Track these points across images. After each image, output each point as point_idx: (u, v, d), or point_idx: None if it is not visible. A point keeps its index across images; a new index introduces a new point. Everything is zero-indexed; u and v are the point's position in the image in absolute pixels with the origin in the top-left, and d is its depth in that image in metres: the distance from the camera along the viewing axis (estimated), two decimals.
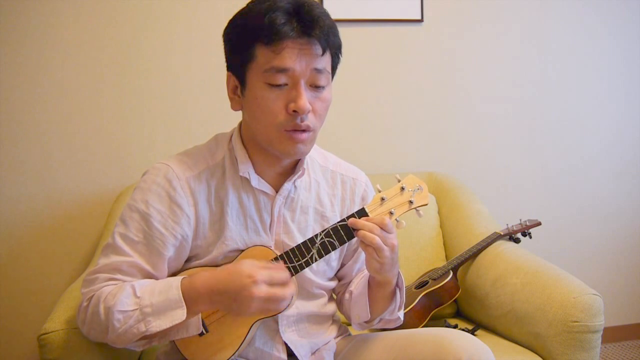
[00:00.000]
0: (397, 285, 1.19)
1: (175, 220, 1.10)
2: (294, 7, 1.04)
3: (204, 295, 1.03)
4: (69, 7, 1.98)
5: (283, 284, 1.02)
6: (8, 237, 2.00)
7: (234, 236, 1.14)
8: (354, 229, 1.07)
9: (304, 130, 1.07)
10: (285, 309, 1.09)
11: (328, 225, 1.11)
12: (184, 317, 1.02)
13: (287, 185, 1.17)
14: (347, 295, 1.28)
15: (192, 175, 1.13)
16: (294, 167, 1.18)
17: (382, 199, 1.10)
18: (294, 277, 1.09)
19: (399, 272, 1.18)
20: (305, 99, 1.05)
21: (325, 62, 1.07)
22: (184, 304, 1.02)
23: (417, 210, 1.12)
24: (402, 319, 1.26)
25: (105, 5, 2.00)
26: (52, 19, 1.97)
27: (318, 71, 1.06)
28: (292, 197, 1.19)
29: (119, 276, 1.08)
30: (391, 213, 1.09)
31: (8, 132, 1.97)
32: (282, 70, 1.03)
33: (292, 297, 1.07)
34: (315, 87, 1.07)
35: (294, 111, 1.04)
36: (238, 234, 1.14)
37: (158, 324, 1.02)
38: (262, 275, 1.00)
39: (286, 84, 1.05)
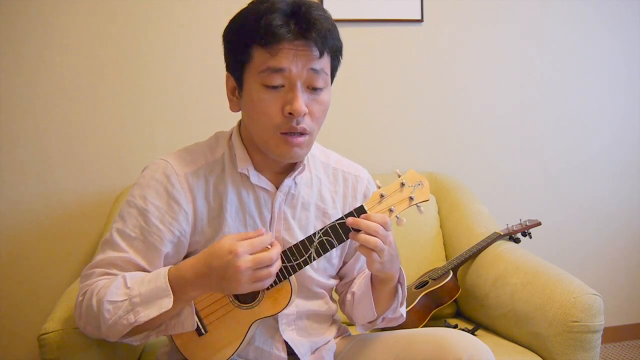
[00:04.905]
0: (398, 281, 1.18)
1: (172, 216, 1.10)
2: (292, 9, 1.03)
3: (192, 281, 1.02)
4: (69, 6, 1.97)
5: (266, 248, 1.01)
6: (8, 237, 1.99)
7: (232, 232, 1.13)
8: (354, 230, 1.04)
9: (300, 134, 1.06)
10: (286, 306, 1.09)
11: (329, 222, 1.09)
12: (170, 305, 1.01)
13: (288, 182, 1.16)
14: (349, 297, 1.27)
15: (191, 171, 1.13)
16: (293, 164, 1.17)
17: (382, 195, 1.07)
18: (277, 243, 1.05)
19: (400, 268, 1.17)
20: (302, 101, 1.04)
21: (323, 63, 1.06)
22: (170, 292, 1.02)
23: (417, 207, 1.08)
24: (404, 316, 1.26)
25: (105, 6, 2.00)
26: (52, 19, 1.97)
27: (315, 71, 1.05)
28: (293, 194, 1.18)
29: (114, 271, 1.08)
30: (391, 210, 1.06)
31: (8, 132, 1.97)
32: (278, 70, 1.03)
33: (279, 255, 1.03)
34: (313, 89, 1.06)
35: (290, 113, 1.04)
36: (236, 230, 1.14)
37: (146, 314, 1.01)
38: (242, 246, 0.99)
39: (282, 86, 1.04)
